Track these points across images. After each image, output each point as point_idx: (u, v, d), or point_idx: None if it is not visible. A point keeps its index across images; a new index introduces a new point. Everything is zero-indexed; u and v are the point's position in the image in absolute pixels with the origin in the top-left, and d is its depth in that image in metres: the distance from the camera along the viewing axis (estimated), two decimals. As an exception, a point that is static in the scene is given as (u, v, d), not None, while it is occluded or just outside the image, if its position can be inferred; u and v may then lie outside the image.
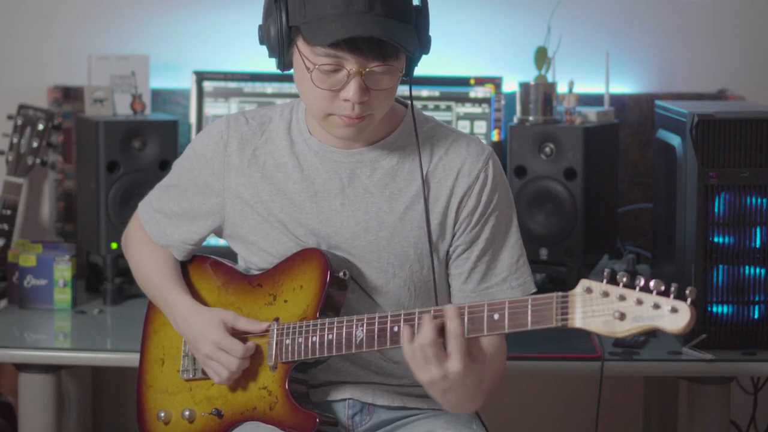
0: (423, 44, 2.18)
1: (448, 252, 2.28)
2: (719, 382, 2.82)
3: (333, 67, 2.10)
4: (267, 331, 2.24)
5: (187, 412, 2.33)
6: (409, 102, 2.28)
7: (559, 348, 2.82)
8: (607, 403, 2.96)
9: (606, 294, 1.88)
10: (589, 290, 1.90)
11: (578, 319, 1.91)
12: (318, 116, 2.18)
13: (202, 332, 2.26)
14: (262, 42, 2.19)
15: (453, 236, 2.27)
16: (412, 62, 2.19)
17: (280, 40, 2.14)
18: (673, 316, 1.83)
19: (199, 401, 2.33)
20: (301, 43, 2.13)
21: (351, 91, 2.10)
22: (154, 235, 2.42)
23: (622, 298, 1.87)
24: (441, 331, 2.03)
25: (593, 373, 2.75)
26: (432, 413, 2.31)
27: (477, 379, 2.07)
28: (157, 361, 2.41)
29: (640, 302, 1.85)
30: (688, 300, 1.83)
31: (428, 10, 2.18)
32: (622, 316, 1.86)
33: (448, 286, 2.30)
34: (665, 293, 1.84)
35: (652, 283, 1.85)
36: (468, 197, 2.25)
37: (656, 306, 1.84)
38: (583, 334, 2.85)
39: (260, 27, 2.18)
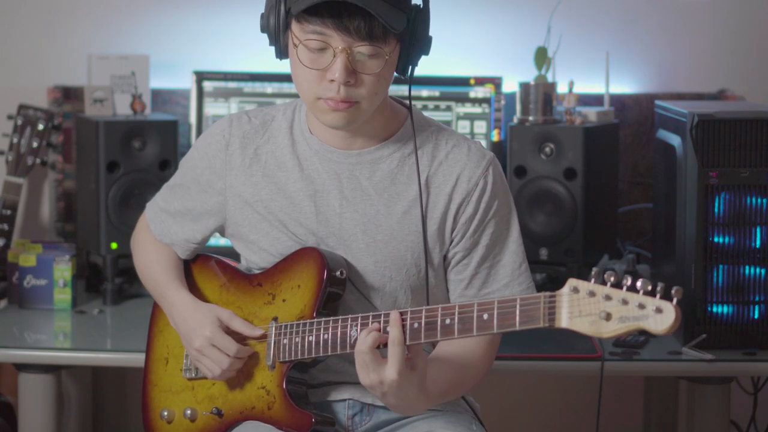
0: (422, 43, 2.18)
1: (446, 258, 2.27)
2: (719, 382, 2.82)
3: (320, 45, 2.11)
4: (262, 337, 2.24)
5: (189, 411, 2.33)
6: (410, 104, 2.28)
7: (559, 348, 2.82)
8: (607, 403, 2.96)
9: (592, 294, 1.84)
10: (575, 290, 1.86)
11: (564, 320, 1.87)
12: (307, 101, 2.18)
13: (195, 327, 2.26)
14: (262, 30, 2.21)
15: (451, 242, 2.26)
16: (408, 60, 2.19)
17: (276, 25, 2.16)
18: (658, 316, 1.79)
19: (201, 400, 2.33)
20: (293, 25, 2.14)
21: (336, 70, 2.10)
22: (158, 233, 2.42)
23: (608, 297, 1.83)
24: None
25: (593, 373, 2.75)
26: (431, 413, 2.30)
27: (417, 388, 2.08)
28: (162, 361, 2.41)
29: (625, 302, 1.81)
30: (674, 300, 1.78)
31: (429, 10, 2.18)
32: (608, 317, 1.82)
33: (447, 290, 2.30)
34: (651, 293, 1.80)
35: (638, 283, 1.80)
36: (467, 203, 2.24)
37: (641, 306, 1.80)
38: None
39: (261, 15, 2.20)
